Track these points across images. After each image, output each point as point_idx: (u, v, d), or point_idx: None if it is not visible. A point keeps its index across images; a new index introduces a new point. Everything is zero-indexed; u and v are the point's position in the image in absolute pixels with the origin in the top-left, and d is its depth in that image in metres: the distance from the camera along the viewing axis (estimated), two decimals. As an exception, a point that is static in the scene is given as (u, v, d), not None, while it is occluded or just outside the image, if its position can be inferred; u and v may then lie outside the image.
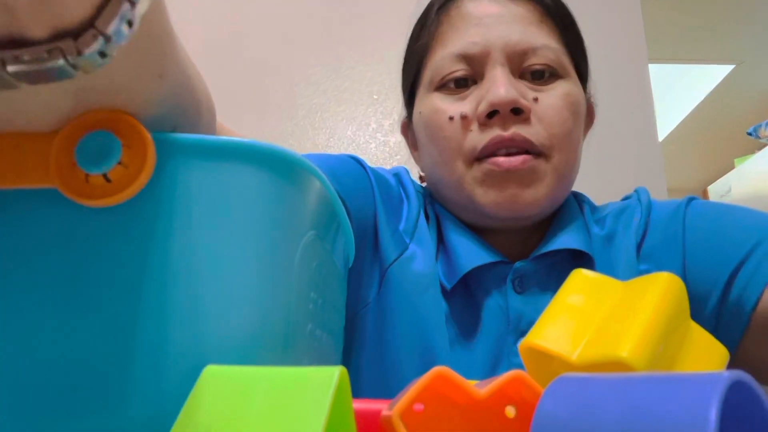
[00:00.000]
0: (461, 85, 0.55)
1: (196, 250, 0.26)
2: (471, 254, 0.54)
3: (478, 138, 0.53)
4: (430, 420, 0.27)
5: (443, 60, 0.56)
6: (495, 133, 0.52)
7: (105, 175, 0.24)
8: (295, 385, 0.23)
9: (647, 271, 0.56)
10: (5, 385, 0.24)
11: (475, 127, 0.54)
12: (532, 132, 0.52)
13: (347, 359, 0.55)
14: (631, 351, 0.25)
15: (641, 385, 0.21)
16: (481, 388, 0.26)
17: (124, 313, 0.25)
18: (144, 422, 0.25)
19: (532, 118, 0.53)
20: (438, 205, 0.60)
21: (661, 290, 0.28)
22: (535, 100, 0.54)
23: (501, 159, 0.52)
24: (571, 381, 0.23)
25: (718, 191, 2.53)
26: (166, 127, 0.27)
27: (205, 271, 0.26)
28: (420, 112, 0.59)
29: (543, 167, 0.53)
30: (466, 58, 0.55)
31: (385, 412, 0.26)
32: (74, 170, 0.24)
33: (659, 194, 1.41)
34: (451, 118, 0.54)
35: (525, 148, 0.52)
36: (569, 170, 0.56)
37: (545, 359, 0.29)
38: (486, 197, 0.53)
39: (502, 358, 0.54)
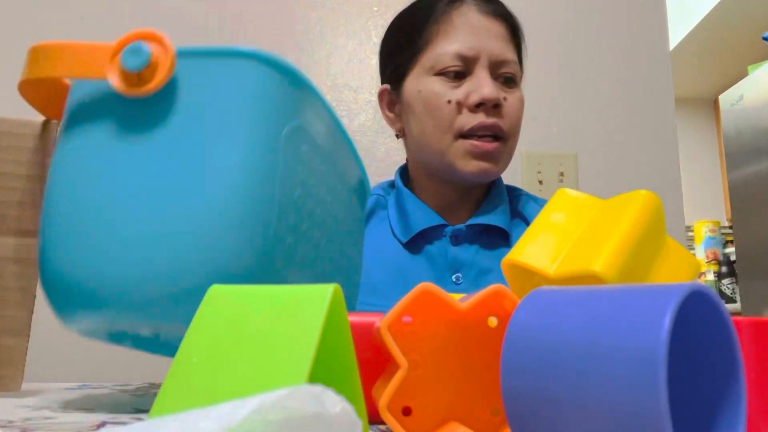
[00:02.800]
0: (457, 77, 0.75)
1: (200, 133, 0.36)
2: (422, 218, 0.78)
3: (467, 119, 0.73)
4: (417, 331, 0.29)
5: (445, 54, 0.75)
6: (480, 118, 0.73)
7: (138, 74, 0.35)
8: (293, 301, 0.25)
9: None
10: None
11: (465, 111, 0.74)
12: (503, 122, 0.74)
13: None
14: (604, 265, 0.27)
15: (606, 297, 0.23)
16: (464, 302, 0.28)
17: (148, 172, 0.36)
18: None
19: (503, 112, 0.74)
20: (401, 184, 0.84)
21: (637, 207, 0.30)
22: (505, 98, 0.75)
23: (478, 143, 0.73)
24: (544, 293, 0.25)
25: (729, 100, 2.47)
26: None
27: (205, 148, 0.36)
28: (419, 90, 0.77)
29: (503, 149, 0.76)
30: (463, 57, 0.74)
31: (376, 324, 0.29)
32: (120, 70, 0.35)
33: (667, 104, 1.39)
34: (449, 102, 0.74)
35: (497, 133, 0.74)
36: (513, 152, 0.79)
37: (526, 274, 0.31)
38: (467, 166, 0.74)
39: (440, 285, 0.71)
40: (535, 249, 0.30)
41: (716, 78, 4.15)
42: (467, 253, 0.77)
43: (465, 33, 0.76)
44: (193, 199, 0.34)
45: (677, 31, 3.56)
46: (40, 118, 0.47)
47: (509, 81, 0.76)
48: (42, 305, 0.57)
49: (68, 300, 0.35)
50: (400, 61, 0.80)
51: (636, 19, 1.39)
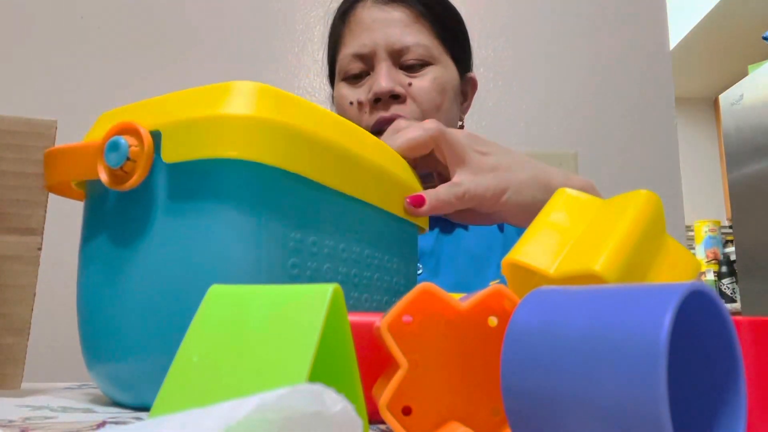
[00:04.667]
0: (358, 77, 0.75)
1: (183, 227, 0.35)
2: None
3: (369, 118, 0.72)
4: (417, 331, 0.29)
5: (345, 58, 0.76)
6: (379, 115, 0.71)
7: (122, 168, 0.35)
8: (293, 301, 0.25)
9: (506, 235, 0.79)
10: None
11: (367, 109, 0.73)
12: (407, 111, 0.71)
13: None
14: (604, 264, 0.27)
15: (606, 296, 0.23)
16: (464, 302, 0.28)
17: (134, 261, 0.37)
18: None
19: (408, 100, 0.72)
20: None
21: (637, 207, 0.30)
22: (410, 84, 0.72)
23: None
24: (544, 293, 0.25)
25: (729, 99, 2.47)
26: None
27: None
28: (334, 97, 0.80)
29: None
30: (359, 56, 0.74)
31: (376, 324, 0.29)
32: (105, 166, 0.35)
33: (667, 104, 1.39)
34: (351, 103, 0.74)
35: None
36: None
37: (527, 273, 0.31)
38: None
39: None
40: (535, 249, 0.30)
41: (716, 78, 4.15)
42: (426, 240, 0.75)
43: (358, 32, 0.75)
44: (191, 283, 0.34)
45: (677, 31, 3.56)
46: (42, 116, 0.47)
47: (414, 66, 0.73)
48: (42, 304, 0.57)
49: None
50: (329, 69, 0.84)
51: (636, 19, 1.39)
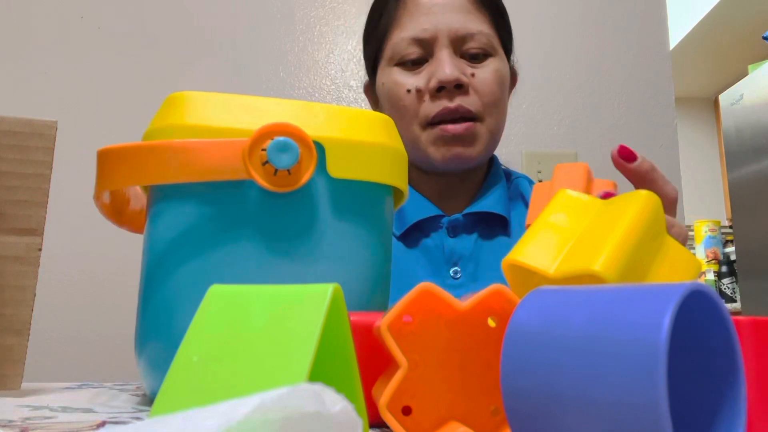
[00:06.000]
0: (416, 63, 0.71)
1: (335, 229, 0.39)
2: (417, 210, 0.74)
3: (430, 107, 0.69)
4: (417, 330, 0.29)
5: (401, 42, 0.71)
6: (443, 104, 0.68)
7: (289, 170, 0.35)
8: (293, 300, 0.25)
9: None
10: None
11: (427, 98, 0.69)
12: (470, 102, 0.69)
13: None
14: (604, 264, 0.27)
15: (606, 296, 0.23)
16: (463, 302, 0.28)
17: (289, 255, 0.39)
18: None
19: (470, 90, 0.69)
20: None
21: (637, 207, 0.30)
22: (473, 75, 0.70)
23: (449, 126, 0.68)
24: (544, 293, 0.25)
25: (729, 99, 2.47)
26: None
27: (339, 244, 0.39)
28: (383, 83, 0.74)
29: (479, 129, 0.70)
30: (419, 41, 0.70)
31: (377, 323, 0.29)
32: (266, 167, 0.35)
33: (667, 104, 1.39)
34: (408, 91, 0.70)
35: (465, 115, 0.69)
36: (498, 130, 0.73)
37: (527, 274, 0.31)
38: (438, 153, 0.70)
39: (438, 281, 0.71)
40: (535, 249, 0.31)
41: (716, 77, 4.15)
42: (465, 244, 0.73)
43: (418, 15, 0.71)
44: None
45: (677, 31, 3.56)
46: (42, 117, 0.47)
47: (477, 56, 0.71)
48: (42, 304, 0.57)
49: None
50: (370, 54, 0.78)
51: (636, 19, 1.39)
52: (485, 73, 0.70)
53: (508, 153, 1.29)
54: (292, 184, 0.36)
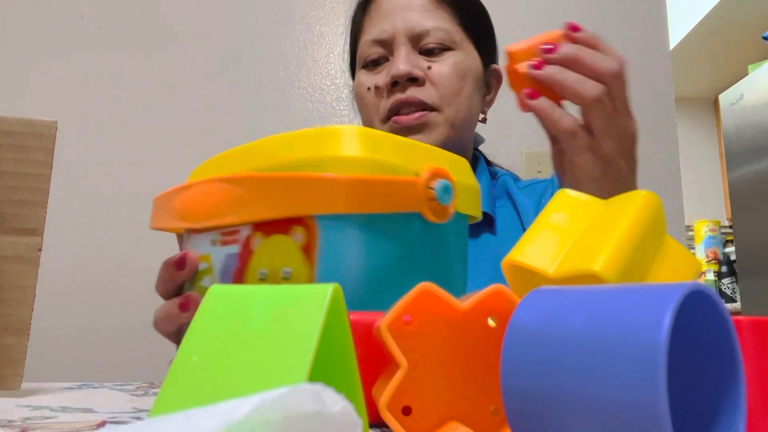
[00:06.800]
0: (377, 63, 0.75)
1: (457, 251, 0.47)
2: None
3: (385, 102, 0.72)
4: (417, 331, 0.29)
5: (364, 45, 0.76)
6: (396, 97, 0.71)
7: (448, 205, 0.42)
8: (293, 300, 0.25)
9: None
10: None
11: (385, 94, 0.72)
12: (425, 93, 0.71)
13: None
14: (604, 264, 0.27)
15: (606, 296, 0.23)
16: (464, 302, 0.28)
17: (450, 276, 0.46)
18: None
19: (427, 83, 0.71)
20: None
21: (637, 207, 0.30)
22: (429, 68, 0.71)
23: (401, 117, 0.70)
24: (544, 293, 0.25)
25: (729, 99, 2.47)
26: None
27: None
28: (353, 86, 0.79)
29: (435, 118, 0.71)
30: (379, 42, 0.74)
31: (377, 323, 0.29)
32: (433, 202, 0.41)
33: (667, 104, 1.39)
34: (368, 89, 0.74)
35: (419, 105, 0.70)
36: (460, 119, 0.73)
37: (527, 274, 0.31)
38: None
39: None
40: (535, 249, 0.31)
41: (716, 77, 4.15)
42: None
43: (378, 19, 0.75)
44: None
45: (677, 31, 3.56)
46: (42, 117, 0.47)
47: (433, 50, 0.73)
48: (42, 304, 0.57)
49: None
50: (350, 63, 0.83)
51: (636, 19, 1.39)
52: (442, 66, 0.72)
53: (508, 153, 1.28)
54: (446, 217, 0.43)
